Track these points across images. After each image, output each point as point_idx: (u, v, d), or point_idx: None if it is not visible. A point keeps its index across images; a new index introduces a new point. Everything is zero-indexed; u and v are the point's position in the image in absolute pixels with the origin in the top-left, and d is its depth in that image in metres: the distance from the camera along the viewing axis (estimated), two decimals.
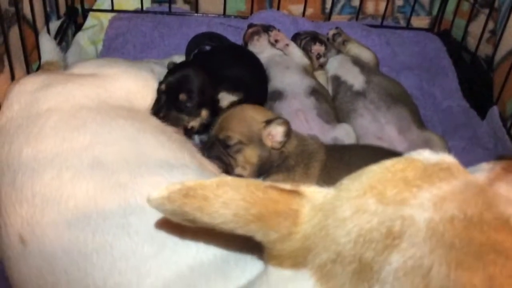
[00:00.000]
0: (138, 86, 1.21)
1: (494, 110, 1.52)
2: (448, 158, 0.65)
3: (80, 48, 1.67)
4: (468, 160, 1.40)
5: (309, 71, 1.58)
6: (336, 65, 1.61)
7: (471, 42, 1.76)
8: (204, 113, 1.27)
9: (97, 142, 0.95)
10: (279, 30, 1.63)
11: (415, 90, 1.70)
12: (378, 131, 1.42)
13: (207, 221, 0.62)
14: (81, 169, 0.89)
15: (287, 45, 1.60)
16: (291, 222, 0.61)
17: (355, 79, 1.53)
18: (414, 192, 0.59)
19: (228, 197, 0.61)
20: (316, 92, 1.49)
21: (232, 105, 1.27)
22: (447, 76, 1.75)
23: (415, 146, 1.40)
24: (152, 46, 1.72)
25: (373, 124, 1.43)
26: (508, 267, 0.54)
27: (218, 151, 1.17)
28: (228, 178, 0.63)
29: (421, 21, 1.93)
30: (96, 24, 1.75)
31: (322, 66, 1.63)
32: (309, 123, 1.41)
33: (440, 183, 0.60)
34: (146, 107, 1.21)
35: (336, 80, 1.57)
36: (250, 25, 1.66)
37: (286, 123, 1.18)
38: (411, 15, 1.88)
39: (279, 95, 1.48)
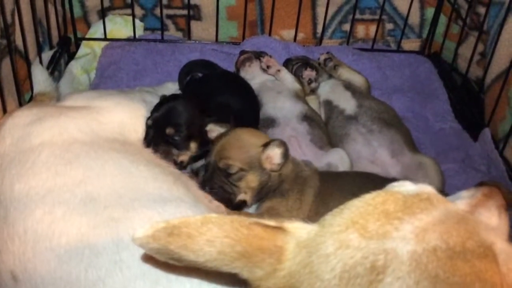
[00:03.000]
0: (130, 118, 1.22)
1: (486, 132, 1.53)
2: (427, 188, 0.65)
3: (73, 77, 1.68)
4: (461, 182, 1.45)
5: (301, 96, 1.58)
6: (328, 89, 1.62)
7: (462, 64, 1.78)
8: (193, 145, 1.28)
9: (89, 176, 0.94)
10: (270, 56, 1.64)
11: (407, 113, 1.71)
12: (371, 155, 1.42)
13: (192, 259, 0.61)
14: (74, 205, 0.89)
15: (278, 70, 1.61)
16: (276, 259, 0.61)
17: (347, 103, 1.54)
18: (395, 224, 0.59)
19: (213, 235, 0.61)
20: (309, 117, 1.49)
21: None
22: (439, 98, 1.76)
23: (408, 170, 1.40)
24: (145, 73, 1.73)
25: (366, 148, 1.44)
26: None
27: (220, 181, 1.17)
28: (213, 215, 0.63)
29: (411, 43, 1.95)
30: (89, 53, 1.77)
31: (313, 91, 1.64)
32: (302, 149, 1.41)
33: (420, 214, 0.60)
34: (139, 138, 1.21)
35: (328, 105, 1.58)
36: (242, 52, 1.68)
37: (283, 143, 1.19)
38: (401, 38, 1.90)
39: (271, 122, 1.49)
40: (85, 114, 1.14)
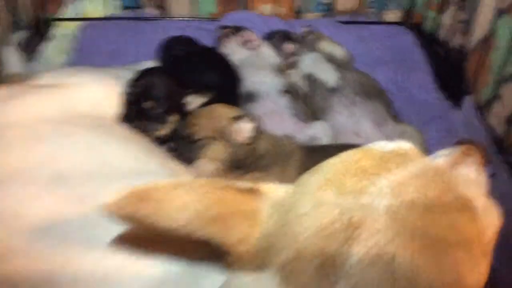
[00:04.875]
0: (104, 93, 1.18)
1: (468, 100, 1.51)
2: (405, 145, 0.64)
3: (49, 59, 1.64)
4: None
5: (281, 71, 1.56)
6: (309, 63, 1.60)
7: (444, 34, 1.76)
8: (173, 119, 1.25)
9: (59, 154, 0.91)
10: (250, 31, 1.61)
11: (390, 85, 1.68)
12: (354, 126, 1.40)
13: (164, 226, 0.59)
14: (43, 184, 0.86)
15: (258, 45, 1.58)
16: (251, 222, 0.59)
17: (329, 76, 1.52)
18: (372, 180, 0.57)
19: (185, 199, 0.59)
20: (290, 91, 1.47)
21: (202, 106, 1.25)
22: (421, 69, 1.74)
23: (391, 138, 1.39)
24: (123, 53, 1.69)
25: (350, 119, 1.42)
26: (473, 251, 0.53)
27: (185, 150, 1.15)
28: (185, 179, 0.61)
29: (392, 14, 1.93)
30: (64, 34, 1.72)
31: (294, 65, 1.61)
32: (284, 123, 1.39)
33: (397, 169, 0.58)
34: (114, 114, 1.18)
35: (310, 78, 1.55)
36: (221, 27, 1.64)
37: (254, 119, 1.17)
38: (383, 9, 1.87)
39: (252, 96, 1.46)
40: (56, 91, 1.11)
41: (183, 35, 1.64)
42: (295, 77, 1.59)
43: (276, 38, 1.63)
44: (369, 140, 1.37)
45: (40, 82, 1.18)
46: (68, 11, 1.77)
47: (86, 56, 1.67)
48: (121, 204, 0.58)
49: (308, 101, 1.51)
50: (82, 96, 1.13)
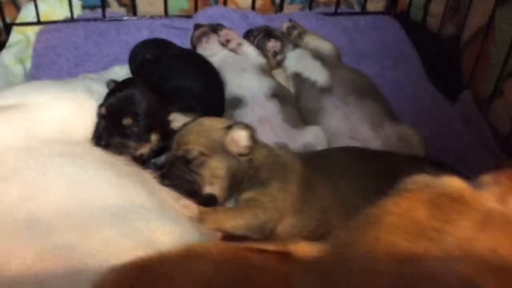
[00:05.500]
0: (73, 112, 1.04)
1: (467, 94, 1.43)
2: (454, 181, 0.53)
3: (6, 69, 1.46)
4: (441, 146, 1.35)
5: (267, 71, 1.44)
6: (295, 61, 1.48)
7: (432, 23, 1.67)
8: (154, 137, 1.11)
9: (30, 192, 0.78)
10: (229, 29, 1.48)
11: (378, 79, 1.58)
12: (349, 130, 1.30)
13: None
14: (15, 230, 0.72)
15: (239, 44, 1.45)
16: None
17: (317, 74, 1.40)
18: (433, 238, 0.46)
19: (199, 272, 0.47)
20: (278, 94, 1.35)
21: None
22: (410, 61, 1.65)
23: (389, 142, 1.29)
24: (88, 58, 1.53)
25: (344, 122, 1.31)
26: None
27: (180, 170, 1.02)
28: (195, 245, 0.49)
29: (376, 4, 1.82)
30: (22, 40, 1.55)
31: (279, 64, 1.49)
32: (275, 130, 1.27)
33: (460, 220, 0.48)
34: (86, 135, 1.04)
35: (297, 78, 1.44)
36: (197, 26, 1.50)
37: (249, 126, 1.05)
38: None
39: (238, 102, 1.33)
40: (18, 115, 0.96)
41: (154, 38, 1.50)
42: (281, 77, 1.47)
43: (258, 35, 1.50)
44: (367, 144, 1.30)
45: (0, 102, 1.03)
46: (22, 15, 1.59)
47: (47, 64, 1.50)
48: (120, 284, 0.46)
49: (298, 103, 1.39)
50: (48, 117, 0.99)
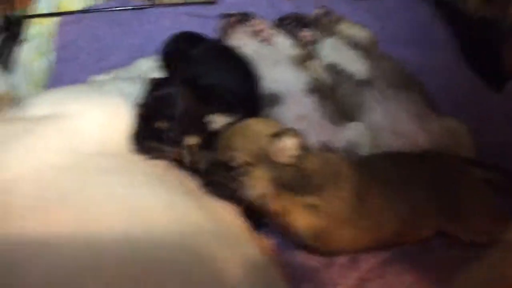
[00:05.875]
0: (110, 119, 0.98)
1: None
2: None
3: (26, 65, 1.39)
4: (481, 140, 1.29)
5: (301, 63, 1.37)
6: (330, 50, 1.41)
7: (468, 4, 1.58)
8: (192, 141, 1.05)
9: (87, 219, 0.72)
10: (259, 18, 1.40)
11: (411, 67, 1.52)
12: (392, 124, 1.24)
13: None
14: (76, 270, 0.67)
15: (271, 35, 1.38)
16: None
17: (355, 65, 1.34)
18: None
19: None
20: (316, 88, 1.29)
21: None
22: (445, 47, 1.58)
23: (436, 137, 1.24)
24: (110, 51, 1.46)
25: (385, 117, 1.25)
26: None
27: (222, 178, 0.97)
28: None
29: None
30: (40, 32, 1.47)
31: (314, 55, 1.42)
32: (315, 128, 1.21)
33: None
34: (124, 144, 0.98)
35: (333, 69, 1.37)
36: (225, 16, 1.42)
37: (299, 134, 0.98)
38: None
39: (275, 99, 1.27)
40: (57, 127, 0.90)
41: (186, 31, 1.42)
42: (316, 69, 1.40)
43: (290, 24, 1.43)
44: (411, 139, 1.24)
45: (30, 112, 0.96)
46: (40, 6, 1.51)
47: (70, 58, 1.43)
48: None
49: (336, 97, 1.33)
50: (87, 127, 0.93)
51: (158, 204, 0.79)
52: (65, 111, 0.95)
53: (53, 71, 1.41)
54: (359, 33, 1.45)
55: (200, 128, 1.06)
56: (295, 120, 1.22)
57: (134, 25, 1.51)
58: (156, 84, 1.07)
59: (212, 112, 1.05)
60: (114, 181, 0.81)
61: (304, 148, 0.98)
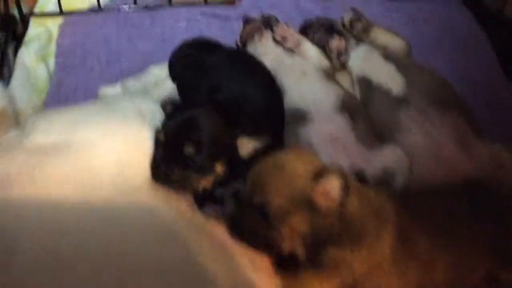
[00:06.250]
0: (129, 146, 0.87)
1: None
2: None
3: (28, 71, 1.27)
4: None
5: (331, 76, 1.24)
6: (361, 61, 1.27)
7: (509, 8, 1.45)
8: (219, 168, 0.94)
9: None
10: (285, 24, 1.27)
11: (447, 75, 1.39)
12: (433, 149, 1.11)
13: None
14: None
15: (298, 42, 1.25)
16: None
17: (392, 80, 1.20)
18: None
19: None
20: (348, 105, 1.16)
21: (257, 152, 0.95)
22: (485, 57, 1.44)
23: (480, 165, 1.11)
24: (120, 55, 1.33)
25: (426, 140, 1.12)
26: None
27: (254, 222, 0.85)
28: None
29: None
30: (42, 33, 1.34)
31: (344, 66, 1.29)
32: (347, 151, 1.09)
33: None
34: (143, 174, 0.87)
35: (366, 83, 1.24)
36: (247, 20, 1.29)
37: (342, 173, 0.85)
38: None
39: (302, 116, 1.14)
40: (68, 161, 0.79)
41: (199, 37, 1.29)
42: (346, 81, 1.28)
43: (318, 31, 1.29)
44: (453, 167, 1.12)
45: (36, 139, 0.84)
46: (42, 3, 1.37)
47: (75, 64, 1.30)
48: None
49: (368, 116, 1.20)
50: (103, 159, 0.82)
51: (191, 261, 0.68)
52: (79, 139, 0.83)
53: (55, 78, 1.28)
54: (393, 41, 1.31)
55: (228, 153, 0.94)
56: (325, 142, 1.10)
57: (146, 27, 1.38)
58: (176, 105, 0.95)
59: (240, 135, 0.94)
60: (143, 228, 0.70)
61: (349, 190, 0.85)
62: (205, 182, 0.94)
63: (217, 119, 0.92)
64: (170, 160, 0.89)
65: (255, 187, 0.86)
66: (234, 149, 0.94)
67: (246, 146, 0.94)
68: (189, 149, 0.89)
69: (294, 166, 0.86)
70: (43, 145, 0.82)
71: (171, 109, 0.97)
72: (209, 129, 0.91)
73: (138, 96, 1.04)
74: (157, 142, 0.90)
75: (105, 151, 0.83)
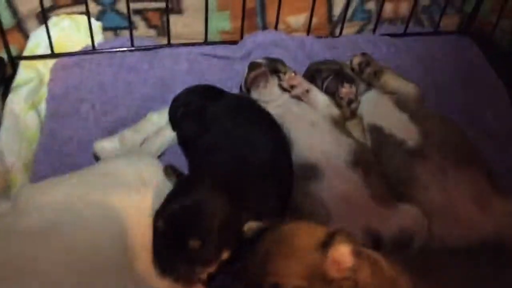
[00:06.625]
0: (129, 230, 0.79)
1: None
2: None
3: (17, 120, 1.18)
4: None
5: (341, 125, 1.17)
6: (372, 108, 1.21)
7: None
8: (225, 255, 0.86)
9: None
10: (294, 72, 1.20)
11: (458, 117, 1.33)
12: (451, 208, 1.05)
13: None
14: None
15: (307, 91, 1.18)
16: None
17: (406, 131, 1.14)
18: None
19: None
20: (361, 159, 1.09)
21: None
22: (498, 98, 1.39)
23: (501, 225, 1.06)
24: (117, 101, 1.25)
25: (443, 198, 1.06)
26: None
27: None
28: None
29: (449, 19, 1.54)
30: (33, 78, 1.25)
31: (354, 113, 1.22)
32: (361, 211, 1.02)
33: None
34: (148, 261, 0.79)
35: (378, 132, 1.17)
36: (252, 65, 1.22)
37: (349, 237, 0.79)
38: (441, 17, 1.47)
39: (311, 171, 1.07)
40: (64, 245, 0.71)
41: (200, 84, 1.22)
42: (358, 133, 1.21)
43: (327, 77, 1.22)
44: (472, 227, 1.05)
45: (29, 221, 0.76)
46: (31, 45, 1.29)
47: (67, 112, 1.22)
48: None
49: (381, 169, 1.14)
50: (102, 248, 0.74)
51: None
52: (73, 221, 0.76)
53: (46, 128, 1.19)
54: (405, 87, 1.25)
55: (235, 240, 0.86)
56: (338, 200, 1.04)
57: (145, 69, 1.30)
58: (182, 185, 0.87)
59: (250, 218, 0.86)
60: None
61: (360, 255, 0.79)
62: (210, 270, 0.86)
63: (226, 204, 0.83)
64: (173, 255, 0.81)
65: (264, 267, 0.79)
66: (241, 233, 0.86)
67: (253, 227, 0.86)
68: (194, 244, 0.81)
69: (299, 241, 0.80)
70: (38, 228, 0.74)
71: (172, 175, 0.89)
72: (215, 220, 0.81)
73: (139, 158, 0.95)
74: (157, 230, 0.82)
75: (104, 235, 0.75)
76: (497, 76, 1.42)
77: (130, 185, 0.85)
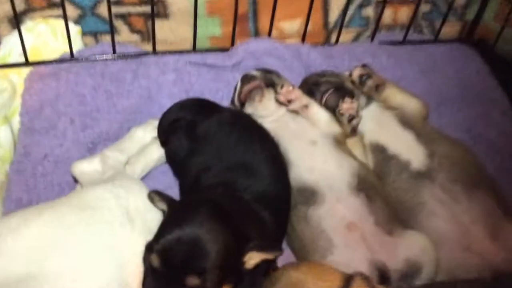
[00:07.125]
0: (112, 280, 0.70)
1: None
2: None
3: None
4: None
5: (343, 144, 1.09)
6: (375, 126, 1.13)
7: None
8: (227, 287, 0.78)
9: None
10: (291, 85, 1.11)
11: (460, 133, 1.26)
12: (461, 237, 0.98)
13: None
14: None
15: (305, 105, 1.09)
16: None
17: (411, 151, 1.07)
18: None
19: None
20: (365, 182, 1.01)
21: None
22: (502, 111, 1.32)
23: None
24: (98, 115, 1.14)
25: (453, 226, 0.99)
26: None
27: None
28: None
29: (450, 27, 1.46)
30: (5, 89, 1.14)
31: (355, 130, 1.14)
32: (366, 241, 0.95)
33: None
34: None
35: (381, 152, 1.10)
36: (246, 77, 1.13)
37: (365, 278, 0.75)
38: (442, 24, 1.40)
39: (311, 195, 0.99)
40: None
41: (191, 98, 1.13)
42: (356, 147, 1.13)
43: (327, 91, 1.14)
44: (484, 257, 0.98)
45: (1, 269, 0.66)
46: (6, 52, 1.18)
47: (43, 127, 1.11)
48: None
49: (386, 193, 1.06)
50: None
51: None
52: (48, 270, 0.66)
53: (19, 145, 1.09)
54: (410, 103, 1.17)
55: (235, 273, 0.78)
56: (340, 228, 0.96)
57: (128, 79, 1.19)
58: (176, 214, 0.78)
59: (251, 249, 0.77)
60: None
61: None
62: None
63: (223, 235, 0.75)
64: None
65: None
66: (241, 265, 0.78)
67: (254, 259, 0.78)
68: (192, 281, 0.72)
69: (312, 285, 0.73)
70: (6, 279, 0.64)
71: (159, 201, 0.80)
72: (215, 253, 0.73)
73: (123, 185, 0.85)
74: (150, 266, 0.73)
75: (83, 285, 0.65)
76: (500, 87, 1.35)
77: (114, 222, 0.75)
